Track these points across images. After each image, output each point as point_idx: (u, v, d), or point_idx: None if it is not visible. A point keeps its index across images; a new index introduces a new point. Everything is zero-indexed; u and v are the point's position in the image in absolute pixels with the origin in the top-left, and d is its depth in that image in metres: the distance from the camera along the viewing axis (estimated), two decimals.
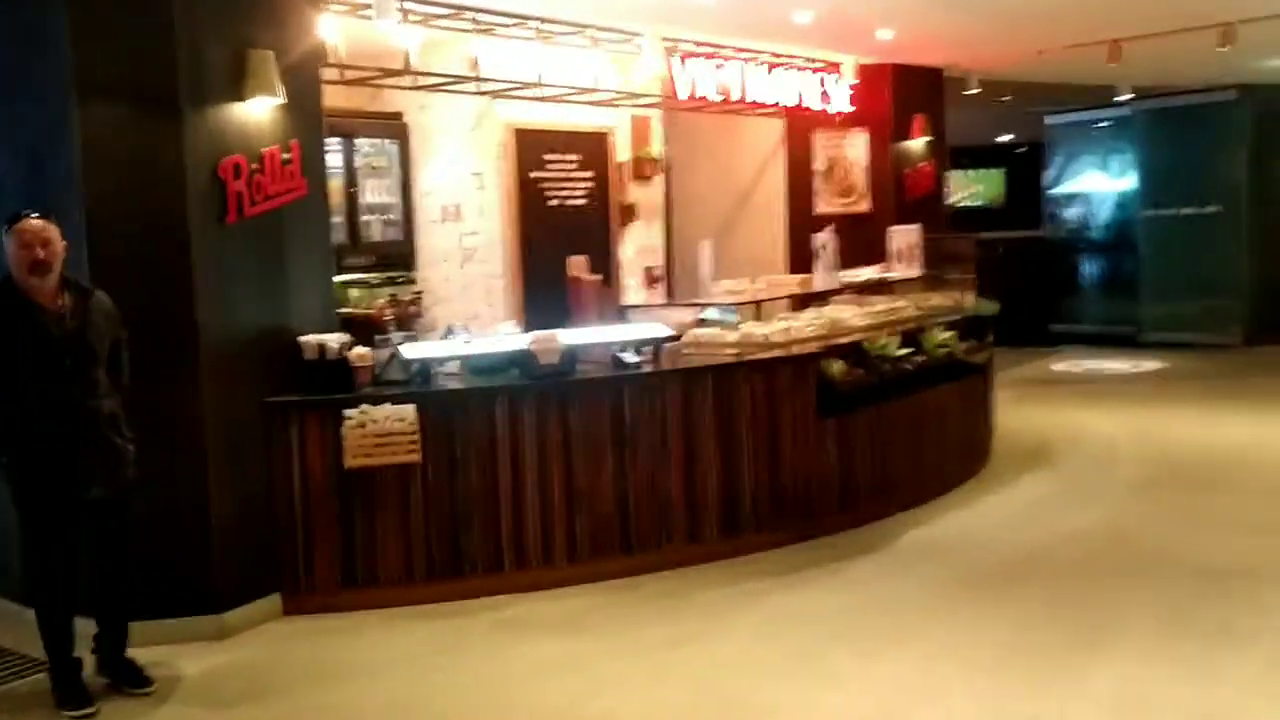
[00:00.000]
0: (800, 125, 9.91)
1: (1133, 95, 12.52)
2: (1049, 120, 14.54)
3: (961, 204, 16.58)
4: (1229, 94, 12.81)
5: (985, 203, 16.98)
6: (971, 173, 16.91)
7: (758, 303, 7.05)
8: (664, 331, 5.90)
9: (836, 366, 6.18)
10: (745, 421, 5.76)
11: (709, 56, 8.13)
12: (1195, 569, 5.32)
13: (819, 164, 10.02)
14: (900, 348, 6.63)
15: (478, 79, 6.94)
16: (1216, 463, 7.49)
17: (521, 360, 5.43)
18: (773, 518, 5.84)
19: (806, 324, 6.69)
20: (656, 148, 9.30)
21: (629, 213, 8.98)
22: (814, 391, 6.01)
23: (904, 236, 7.83)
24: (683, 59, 7.93)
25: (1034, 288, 13.95)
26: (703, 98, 8.14)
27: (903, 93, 9.97)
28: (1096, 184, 14.32)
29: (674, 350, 6.04)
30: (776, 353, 6.12)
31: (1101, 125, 14.16)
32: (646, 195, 9.21)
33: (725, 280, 7.19)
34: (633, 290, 8.77)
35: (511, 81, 7.15)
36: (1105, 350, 12.90)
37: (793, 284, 7.68)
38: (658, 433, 5.56)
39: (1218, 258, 13.02)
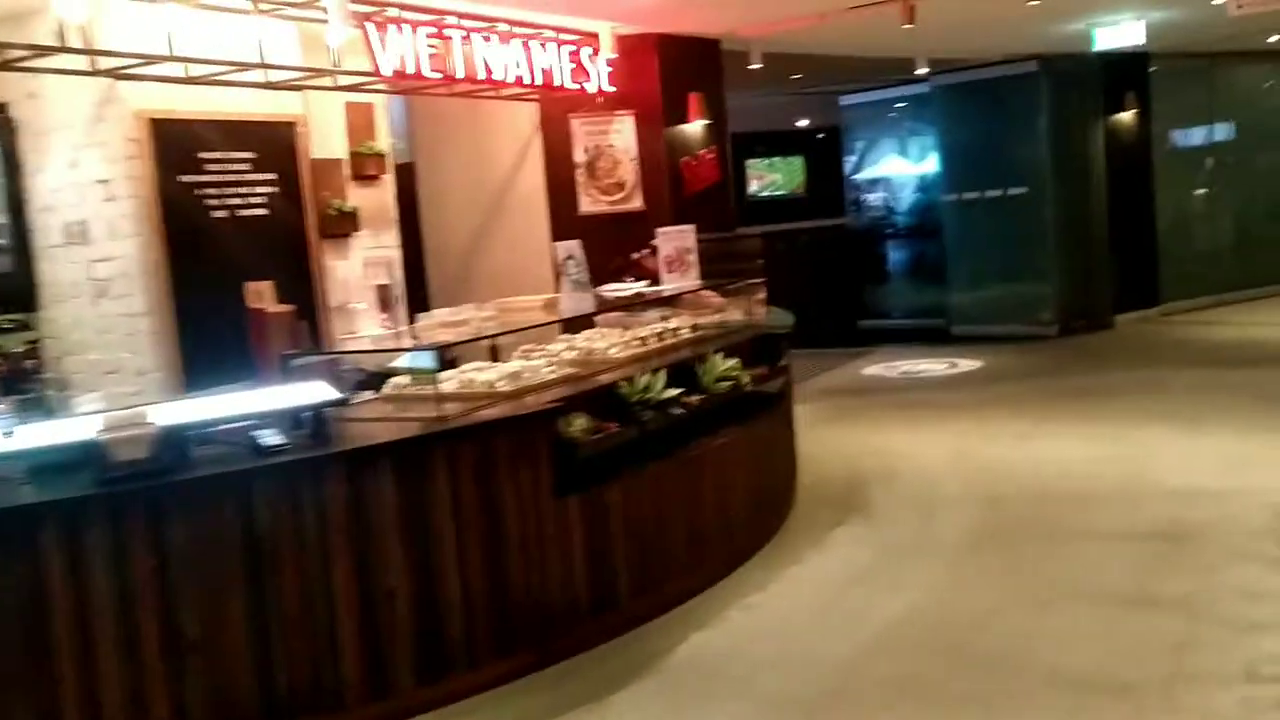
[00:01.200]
0: (556, 109, 8.28)
1: (929, 70, 11.54)
2: (845, 100, 13.50)
3: (761, 195, 15.45)
4: (1029, 65, 11.91)
5: (786, 193, 15.86)
6: (769, 161, 15.75)
7: (490, 338, 5.44)
8: (327, 394, 4.19)
9: (579, 423, 4.61)
10: (446, 515, 4.12)
11: (417, 25, 6.42)
12: (1058, 679, 3.95)
13: (581, 155, 8.39)
14: (668, 387, 5.13)
15: (84, 52, 5.07)
16: (1052, 496, 6.26)
17: (91, 455, 3.64)
18: (495, 644, 4.21)
19: (547, 363, 5.12)
20: (382, 140, 7.56)
21: (348, 221, 7.21)
22: (548, 461, 4.43)
23: (674, 239, 6.31)
24: (381, 27, 6.20)
25: (839, 281, 12.99)
26: (416, 74, 6.44)
27: (672, 68, 8.43)
28: (898, 167, 13.36)
29: (351, 419, 4.36)
30: (501, 410, 4.50)
31: (900, 104, 13.19)
32: (373, 198, 7.46)
33: (437, 310, 5.52)
34: (362, 318, 7.07)
35: (134, 55, 5.29)
36: (917, 347, 11.83)
37: (537, 308, 6.04)
38: (314, 547, 3.85)
39: (1025, 243, 12.22)
